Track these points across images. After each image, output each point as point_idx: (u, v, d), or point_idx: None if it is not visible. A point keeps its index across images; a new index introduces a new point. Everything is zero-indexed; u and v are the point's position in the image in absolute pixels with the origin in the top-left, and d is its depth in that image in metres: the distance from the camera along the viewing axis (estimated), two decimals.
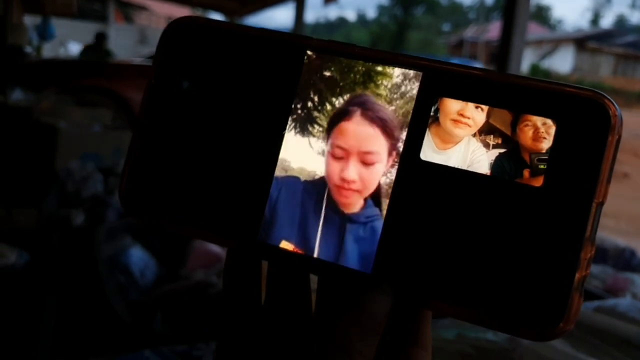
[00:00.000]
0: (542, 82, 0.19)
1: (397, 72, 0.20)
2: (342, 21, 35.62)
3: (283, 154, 0.21)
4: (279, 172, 0.21)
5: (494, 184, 0.19)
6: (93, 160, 2.15)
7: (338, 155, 0.21)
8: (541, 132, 0.18)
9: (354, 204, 0.20)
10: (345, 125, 0.21)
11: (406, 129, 0.20)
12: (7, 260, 1.44)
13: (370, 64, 0.21)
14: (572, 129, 0.18)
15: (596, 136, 0.18)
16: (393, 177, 0.20)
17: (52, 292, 1.31)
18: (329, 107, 0.21)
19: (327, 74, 0.21)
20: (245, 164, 0.21)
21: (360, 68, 0.21)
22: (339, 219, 0.20)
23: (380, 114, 0.20)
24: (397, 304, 0.19)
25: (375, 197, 0.20)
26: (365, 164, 0.20)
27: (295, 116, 0.21)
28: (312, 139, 0.21)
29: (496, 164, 0.19)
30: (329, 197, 0.21)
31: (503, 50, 2.44)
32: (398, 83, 0.20)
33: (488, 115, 0.19)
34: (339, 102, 0.21)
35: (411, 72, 0.20)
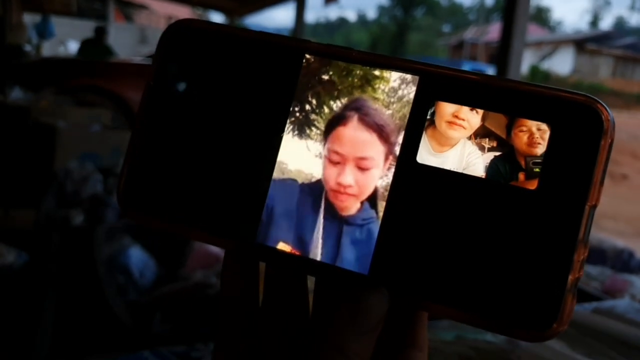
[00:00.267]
0: (536, 86, 0.19)
1: (394, 76, 0.21)
2: (342, 21, 35.64)
3: (281, 157, 0.21)
4: (276, 175, 0.21)
5: (489, 187, 0.19)
6: (92, 160, 2.15)
7: (334, 160, 0.21)
8: (536, 138, 0.19)
9: (351, 207, 0.20)
10: (342, 131, 0.21)
11: (403, 132, 0.20)
12: (5, 260, 1.44)
13: (368, 67, 0.21)
14: (565, 133, 0.18)
15: (589, 140, 0.18)
16: (389, 180, 0.20)
17: (51, 293, 1.31)
18: (326, 110, 0.21)
19: (325, 77, 0.21)
20: (244, 166, 0.21)
21: (358, 72, 0.21)
22: (335, 221, 0.20)
23: (376, 120, 0.20)
24: (394, 306, 0.20)
25: (371, 200, 0.20)
26: (362, 169, 0.20)
27: (293, 119, 0.21)
28: (310, 142, 0.21)
29: (491, 167, 0.19)
30: (326, 199, 0.21)
31: (503, 52, 2.45)
32: (395, 87, 0.21)
33: (483, 119, 0.19)
34: (336, 105, 0.21)
35: (408, 76, 0.20)
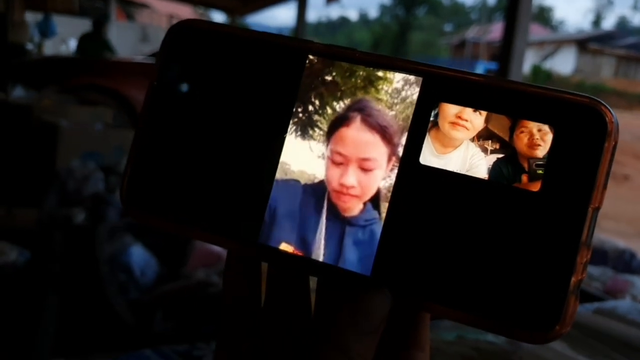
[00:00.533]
0: (540, 88, 0.19)
1: (397, 77, 0.21)
2: (344, 21, 35.61)
3: (284, 157, 0.21)
4: (279, 175, 0.21)
5: (492, 189, 0.19)
6: (94, 159, 2.15)
7: (337, 161, 0.21)
8: (536, 139, 0.19)
9: (353, 208, 0.20)
10: (345, 132, 0.21)
11: (406, 134, 0.20)
12: (7, 259, 1.44)
13: (371, 68, 0.21)
14: (569, 135, 0.18)
15: (593, 142, 0.18)
16: (392, 181, 0.20)
17: (53, 291, 1.32)
18: (329, 111, 0.21)
19: (328, 78, 0.21)
20: (247, 166, 0.21)
21: (361, 72, 0.21)
22: (338, 222, 0.20)
23: (379, 121, 0.20)
24: (396, 306, 0.20)
25: (374, 201, 0.20)
26: (364, 170, 0.20)
27: (296, 120, 0.21)
28: (313, 143, 0.21)
29: (494, 169, 0.19)
30: (329, 200, 0.21)
31: (505, 51, 2.44)
32: (398, 88, 0.21)
33: (487, 120, 0.19)
34: (339, 106, 0.21)
35: (411, 77, 0.20)
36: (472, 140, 0.19)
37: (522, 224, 0.18)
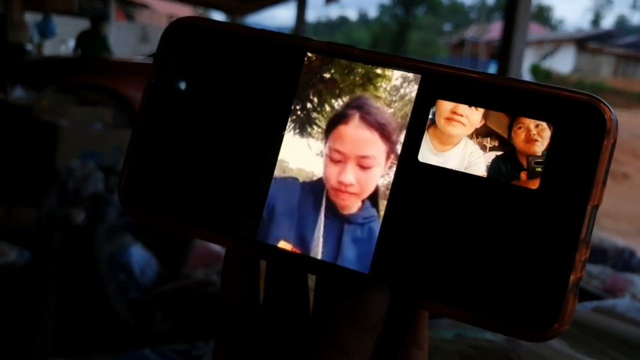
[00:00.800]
0: (539, 85, 0.19)
1: (396, 75, 0.21)
2: (343, 20, 35.60)
3: (282, 155, 0.21)
4: (278, 173, 0.21)
5: (490, 186, 0.19)
6: (94, 159, 2.15)
7: (336, 158, 0.21)
8: (533, 135, 0.19)
9: (352, 206, 0.20)
10: (343, 129, 0.21)
11: (404, 131, 0.20)
12: (7, 259, 1.44)
13: (370, 66, 0.21)
14: (568, 133, 0.18)
15: (592, 140, 0.18)
16: (391, 179, 0.20)
17: (53, 291, 1.32)
18: (328, 108, 0.21)
19: (327, 75, 0.21)
20: (245, 164, 0.21)
21: (359, 70, 0.21)
22: (337, 220, 0.20)
23: (378, 118, 0.20)
24: (395, 304, 0.20)
25: (372, 199, 0.20)
26: (363, 167, 0.20)
27: (294, 117, 0.21)
28: (311, 140, 0.21)
29: (493, 167, 0.19)
30: (327, 198, 0.21)
31: (504, 51, 2.44)
32: (397, 85, 0.21)
33: (485, 118, 0.19)
34: (338, 103, 0.21)
35: (410, 75, 0.20)
36: (471, 137, 0.19)
37: (521, 222, 0.18)
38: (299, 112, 0.21)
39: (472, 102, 0.19)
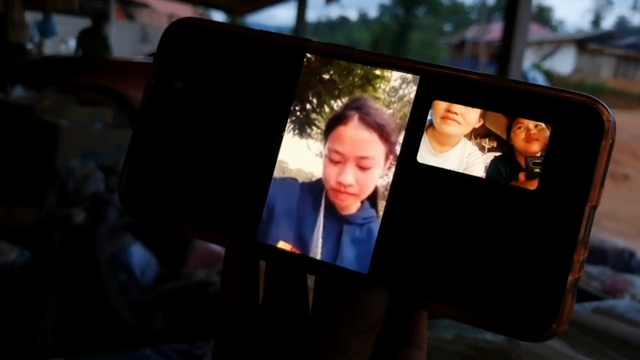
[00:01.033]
0: (537, 87, 0.19)
1: (395, 76, 0.21)
2: (343, 20, 35.60)
3: (281, 156, 0.21)
4: (277, 173, 0.21)
5: (489, 187, 0.19)
6: (94, 159, 2.15)
7: (335, 159, 0.21)
8: (533, 134, 0.19)
9: (351, 206, 0.20)
10: (343, 130, 0.21)
11: (403, 132, 0.20)
12: (7, 259, 1.44)
13: (369, 67, 0.21)
14: (566, 134, 0.18)
15: (590, 141, 0.18)
16: (390, 179, 0.20)
17: (53, 291, 1.32)
18: (327, 109, 0.21)
19: (326, 76, 0.21)
20: (244, 164, 0.21)
21: (359, 71, 0.21)
22: (336, 220, 0.21)
23: (377, 119, 0.20)
24: (393, 305, 0.20)
25: (372, 199, 0.20)
26: (362, 168, 0.20)
27: (294, 118, 0.21)
28: (310, 141, 0.21)
29: (491, 167, 0.19)
30: (327, 198, 0.21)
31: (504, 51, 2.45)
32: (396, 86, 0.21)
33: (483, 118, 0.19)
34: (337, 104, 0.21)
35: (409, 76, 0.20)
36: (469, 138, 0.20)
37: (520, 223, 0.18)
38: (298, 113, 0.21)
39: (470, 103, 0.20)
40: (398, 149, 0.20)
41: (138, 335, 1.13)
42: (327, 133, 0.21)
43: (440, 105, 0.20)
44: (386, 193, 0.20)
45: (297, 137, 0.21)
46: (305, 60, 0.21)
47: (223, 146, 0.22)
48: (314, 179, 0.21)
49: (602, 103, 0.18)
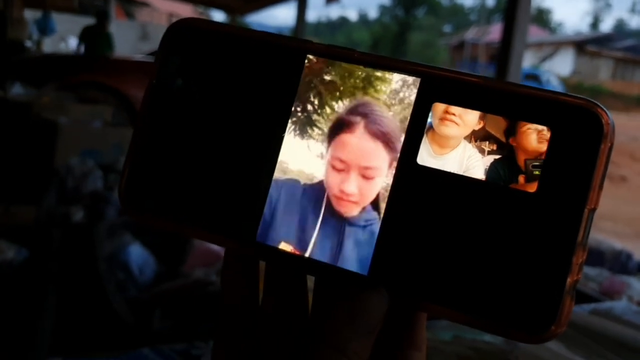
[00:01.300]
0: (536, 90, 0.19)
1: (396, 78, 0.21)
2: (343, 21, 35.59)
3: (282, 156, 0.21)
4: (278, 174, 0.21)
5: (489, 189, 0.19)
6: (93, 157, 2.15)
7: (338, 167, 0.21)
8: (531, 138, 0.19)
9: (353, 211, 0.20)
10: (347, 138, 0.21)
11: (404, 134, 0.20)
12: (5, 257, 1.44)
13: (370, 69, 0.21)
14: (565, 137, 0.19)
15: (589, 144, 0.18)
16: (390, 181, 0.20)
17: (51, 289, 1.31)
18: (328, 110, 0.21)
19: (328, 77, 0.21)
20: (245, 165, 0.22)
21: (360, 73, 0.21)
22: (338, 222, 0.21)
23: (383, 127, 0.20)
24: (393, 306, 0.20)
25: (374, 202, 0.20)
26: (366, 178, 0.20)
27: (295, 119, 0.21)
28: (312, 142, 0.21)
29: (491, 170, 0.19)
30: (328, 200, 0.21)
31: (503, 53, 2.45)
32: (397, 88, 0.21)
33: (484, 121, 0.20)
34: (338, 106, 0.21)
35: (410, 78, 0.20)
36: (470, 141, 0.20)
37: (519, 225, 0.18)
38: (299, 114, 0.21)
39: (470, 106, 0.20)
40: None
41: (136, 334, 1.13)
42: (331, 138, 0.21)
43: (440, 108, 0.20)
44: (387, 195, 0.20)
45: (298, 138, 0.21)
46: (306, 60, 0.22)
47: (223, 147, 0.22)
48: (315, 180, 0.21)
49: (601, 106, 0.19)
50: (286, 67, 0.22)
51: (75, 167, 1.93)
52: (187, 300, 1.18)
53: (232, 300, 0.22)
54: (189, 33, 0.23)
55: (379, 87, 0.21)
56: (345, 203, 0.20)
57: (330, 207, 0.21)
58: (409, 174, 0.20)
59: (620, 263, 1.62)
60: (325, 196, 0.21)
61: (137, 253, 1.33)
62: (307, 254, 0.21)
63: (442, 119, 0.20)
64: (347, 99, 0.21)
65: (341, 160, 0.21)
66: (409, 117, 0.20)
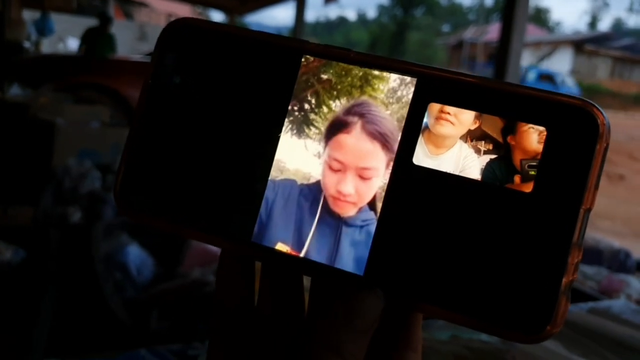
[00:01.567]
0: (533, 90, 0.19)
1: (393, 77, 0.21)
2: (342, 20, 35.59)
3: (279, 156, 0.21)
4: (275, 174, 0.21)
5: (484, 189, 0.19)
6: (90, 157, 2.14)
7: (335, 167, 0.21)
8: (527, 138, 0.19)
9: (350, 211, 0.20)
10: (344, 138, 0.21)
11: (400, 134, 0.20)
12: (3, 257, 1.44)
13: (367, 68, 0.21)
14: (561, 137, 0.19)
15: (585, 144, 0.18)
16: (386, 181, 0.20)
17: (49, 290, 1.31)
18: (325, 109, 0.21)
19: (324, 76, 0.21)
20: (241, 165, 0.21)
21: (357, 72, 0.21)
22: (334, 222, 0.21)
23: (380, 128, 0.20)
24: (389, 306, 0.20)
25: (371, 202, 0.20)
26: (363, 178, 0.20)
27: (291, 118, 0.21)
28: (309, 141, 0.21)
29: (487, 170, 0.19)
30: (325, 200, 0.21)
31: (502, 52, 2.45)
32: (394, 88, 0.21)
33: (480, 121, 0.20)
34: (336, 105, 0.21)
35: (406, 78, 0.20)
36: (465, 141, 0.20)
37: (514, 225, 0.18)
38: (296, 113, 0.21)
39: (466, 106, 0.20)
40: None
41: (133, 334, 1.13)
42: (328, 138, 0.21)
43: (436, 108, 0.20)
44: (383, 194, 0.20)
45: (294, 137, 0.21)
46: (303, 60, 0.21)
47: (220, 146, 0.22)
48: (312, 179, 0.21)
49: (597, 106, 0.19)
50: (283, 67, 0.22)
51: (72, 168, 1.93)
52: (184, 300, 1.18)
53: (228, 301, 0.22)
54: (185, 33, 0.23)
55: (376, 87, 0.21)
56: (342, 203, 0.20)
57: (326, 208, 0.21)
58: (405, 174, 0.20)
59: (618, 262, 1.62)
60: (322, 196, 0.21)
61: (134, 253, 1.33)
62: (303, 254, 0.21)
63: (438, 119, 0.20)
64: (344, 98, 0.21)
65: (338, 161, 0.21)
66: (405, 117, 0.20)
